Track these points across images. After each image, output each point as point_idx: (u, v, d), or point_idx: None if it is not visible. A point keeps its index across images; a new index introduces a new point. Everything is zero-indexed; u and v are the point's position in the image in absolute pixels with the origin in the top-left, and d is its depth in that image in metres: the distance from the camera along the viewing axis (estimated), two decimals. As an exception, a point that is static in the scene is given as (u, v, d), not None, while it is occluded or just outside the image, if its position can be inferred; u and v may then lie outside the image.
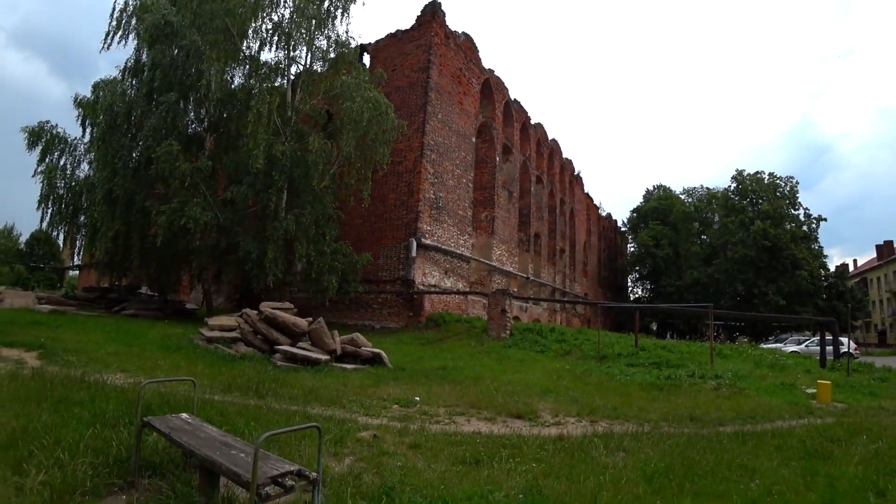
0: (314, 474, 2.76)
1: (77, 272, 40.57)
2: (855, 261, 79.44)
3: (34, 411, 4.81)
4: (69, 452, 3.73)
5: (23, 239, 58.30)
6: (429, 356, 13.16)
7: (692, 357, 14.01)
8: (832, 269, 49.35)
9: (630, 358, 13.73)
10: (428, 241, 20.01)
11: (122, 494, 3.45)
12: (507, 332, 16.94)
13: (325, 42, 18.63)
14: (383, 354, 10.99)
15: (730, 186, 50.39)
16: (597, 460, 5.01)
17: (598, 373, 11.70)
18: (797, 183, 48.24)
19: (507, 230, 27.63)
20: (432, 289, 20.10)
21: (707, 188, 61.02)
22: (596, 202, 51.92)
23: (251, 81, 18.52)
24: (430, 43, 21.20)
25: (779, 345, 26.62)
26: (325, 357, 10.19)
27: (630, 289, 64.71)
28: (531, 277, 30.48)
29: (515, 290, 26.42)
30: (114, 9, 20.13)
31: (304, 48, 18.67)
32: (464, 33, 24.13)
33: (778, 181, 48.22)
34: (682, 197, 62.19)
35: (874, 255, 69.44)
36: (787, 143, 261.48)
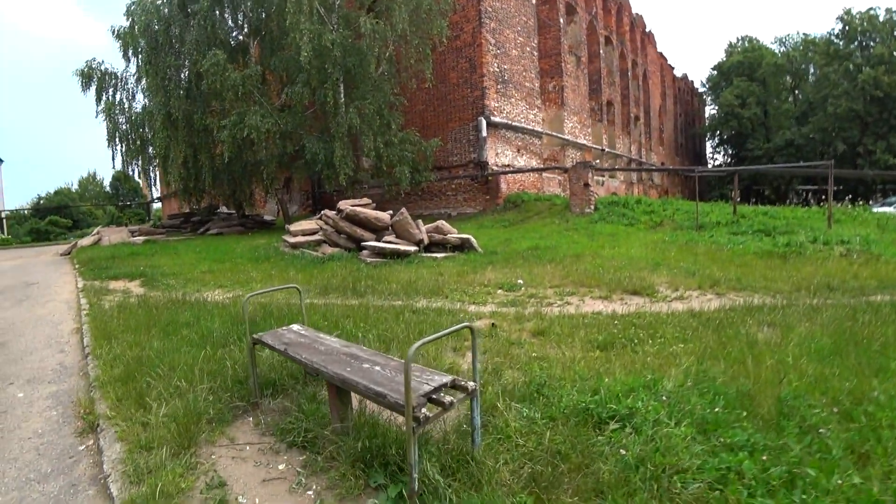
0: (472, 384, 2.18)
1: (160, 203, 42.43)
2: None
3: (145, 339, 4.64)
4: (185, 379, 3.44)
5: (106, 182, 61.35)
6: (516, 238, 12.52)
7: (800, 223, 12.47)
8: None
9: (730, 227, 12.46)
10: (497, 119, 18.54)
11: (247, 417, 3.12)
12: (592, 206, 15.94)
13: None
14: (472, 239, 10.40)
15: (833, 30, 42.59)
16: (751, 338, 4.26)
17: (703, 242, 10.66)
18: None
19: (578, 100, 25.36)
20: (506, 169, 19.03)
21: (804, 35, 51.70)
22: (670, 63, 46.65)
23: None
24: None
25: (887, 208, 23.66)
26: (413, 248, 9.79)
27: (710, 155, 59.92)
28: (606, 149, 28.44)
29: (597, 162, 24.78)
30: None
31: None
32: None
33: None
34: (773, 47, 53.52)
35: None
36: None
